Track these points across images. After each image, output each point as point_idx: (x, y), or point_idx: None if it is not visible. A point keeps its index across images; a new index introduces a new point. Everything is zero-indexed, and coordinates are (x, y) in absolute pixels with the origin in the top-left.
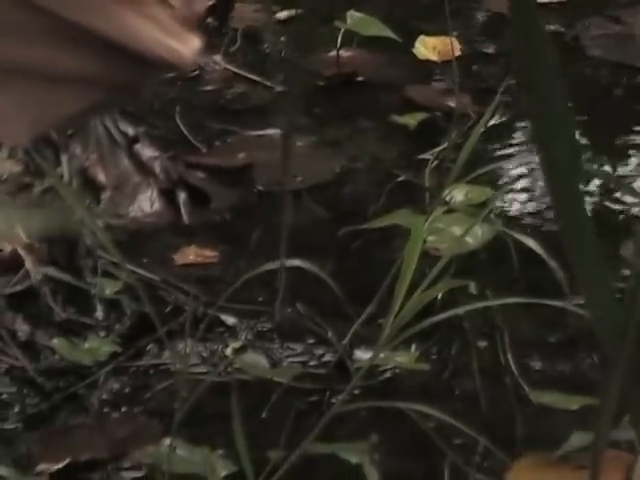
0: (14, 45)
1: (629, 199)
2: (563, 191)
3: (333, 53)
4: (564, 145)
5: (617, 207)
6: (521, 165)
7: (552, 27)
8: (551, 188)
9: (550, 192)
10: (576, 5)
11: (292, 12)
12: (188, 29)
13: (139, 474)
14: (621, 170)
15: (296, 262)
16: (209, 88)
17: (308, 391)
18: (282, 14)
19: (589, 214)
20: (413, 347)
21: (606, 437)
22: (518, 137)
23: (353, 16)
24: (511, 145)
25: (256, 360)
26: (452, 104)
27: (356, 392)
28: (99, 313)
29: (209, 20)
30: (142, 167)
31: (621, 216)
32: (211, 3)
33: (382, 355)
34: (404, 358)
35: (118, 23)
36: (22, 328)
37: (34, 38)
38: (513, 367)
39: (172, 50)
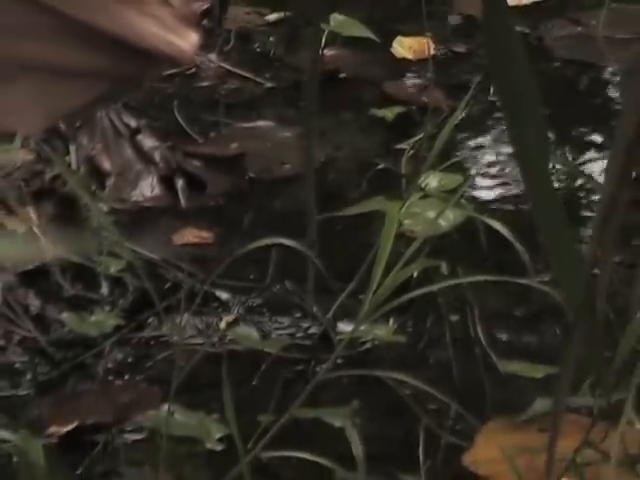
0: (26, 42)
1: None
2: (534, 176)
3: (318, 52)
4: (535, 135)
5: (579, 193)
6: (490, 154)
7: (518, 28)
8: (524, 173)
9: (523, 177)
10: (539, 8)
11: (281, 14)
12: (187, 26)
13: (140, 436)
14: (581, 158)
15: (284, 241)
16: (205, 84)
17: (295, 360)
18: (271, 16)
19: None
20: (391, 321)
21: (564, 401)
22: (487, 129)
23: (336, 18)
24: (481, 136)
25: (247, 332)
26: (426, 99)
27: (339, 361)
28: (104, 289)
29: (205, 22)
30: (143, 156)
31: (582, 201)
32: (206, 6)
33: (362, 328)
34: (382, 331)
35: (121, 21)
36: (34, 303)
37: (44, 35)
38: (482, 339)
39: (173, 45)
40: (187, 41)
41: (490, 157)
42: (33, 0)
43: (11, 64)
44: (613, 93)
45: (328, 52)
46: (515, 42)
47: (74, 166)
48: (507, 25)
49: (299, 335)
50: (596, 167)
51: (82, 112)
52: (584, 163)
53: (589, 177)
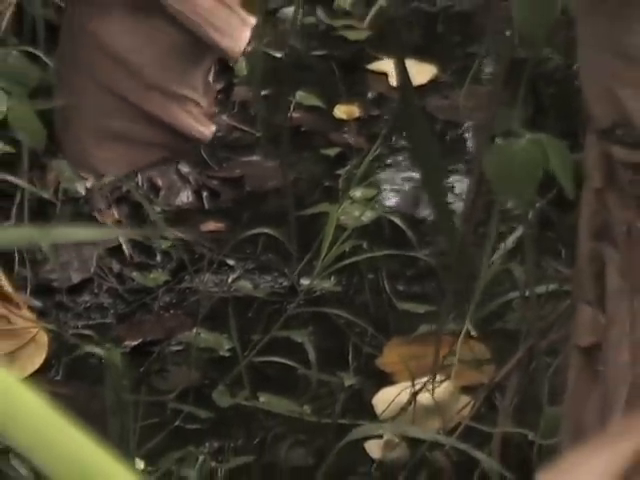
0: (112, 119)
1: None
2: (433, 190)
3: (288, 114)
4: (432, 167)
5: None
6: (393, 177)
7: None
8: (427, 188)
9: (425, 187)
10: (424, 89)
11: (267, 91)
12: (209, 119)
13: (180, 348)
14: (447, 181)
15: (267, 231)
16: (219, 134)
17: (274, 302)
18: (262, 92)
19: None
20: (332, 278)
21: (444, 326)
22: (391, 161)
23: (300, 94)
24: (387, 165)
25: (245, 284)
26: (354, 143)
27: (300, 302)
28: (158, 258)
29: (219, 96)
30: (182, 177)
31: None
32: (221, 86)
33: (315, 282)
34: (327, 284)
35: (169, 113)
36: (115, 266)
37: (124, 116)
38: (387, 288)
39: (199, 132)
40: (207, 129)
41: (393, 178)
42: (116, 93)
43: (103, 132)
44: (469, 141)
45: (294, 114)
46: (416, 108)
47: (140, 183)
48: (412, 98)
49: (277, 286)
50: (457, 187)
51: (148, 167)
52: (450, 184)
53: (453, 192)
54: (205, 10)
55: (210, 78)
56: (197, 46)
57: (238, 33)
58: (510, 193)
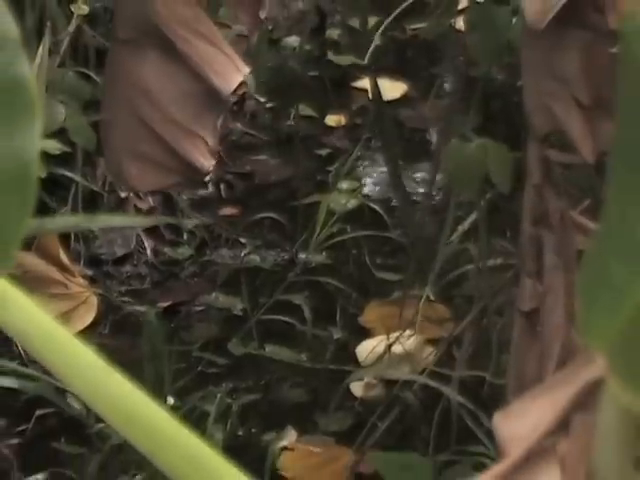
0: (145, 145)
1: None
2: (395, 179)
3: (289, 122)
4: (395, 161)
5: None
6: (371, 172)
7: (388, 112)
8: (391, 177)
9: (391, 179)
10: (395, 102)
11: (273, 104)
12: (211, 155)
13: (201, 308)
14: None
15: (272, 215)
16: (234, 138)
17: (277, 272)
18: (268, 105)
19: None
20: (324, 253)
21: (409, 292)
22: (370, 160)
23: (299, 107)
24: (366, 163)
25: (254, 258)
26: (341, 145)
27: (298, 272)
28: (185, 236)
29: (234, 108)
30: None
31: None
32: (235, 100)
33: (310, 256)
34: (320, 258)
35: (182, 146)
36: (151, 243)
37: (153, 144)
38: (369, 262)
39: (200, 162)
40: (208, 163)
41: (371, 173)
42: (144, 122)
43: (133, 152)
44: (432, 143)
45: (294, 122)
46: (387, 117)
47: None
48: (384, 110)
49: (279, 259)
50: (422, 179)
51: (166, 188)
52: (416, 177)
53: (419, 184)
54: (207, 54)
55: (219, 122)
56: (212, 95)
57: (231, 77)
58: (465, 185)
